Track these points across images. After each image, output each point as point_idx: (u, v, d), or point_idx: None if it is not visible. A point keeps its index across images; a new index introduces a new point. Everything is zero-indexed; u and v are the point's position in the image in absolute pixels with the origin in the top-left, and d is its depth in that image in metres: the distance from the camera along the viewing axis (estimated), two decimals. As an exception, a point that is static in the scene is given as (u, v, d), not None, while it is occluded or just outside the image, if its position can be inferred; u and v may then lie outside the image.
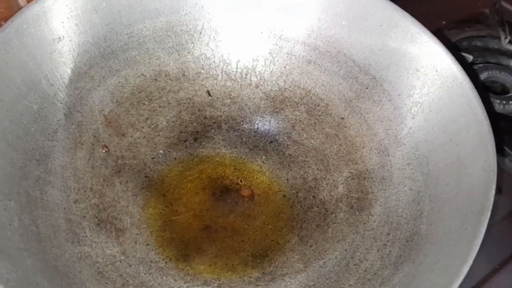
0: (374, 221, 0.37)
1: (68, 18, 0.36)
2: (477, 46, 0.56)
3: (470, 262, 0.28)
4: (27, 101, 0.34)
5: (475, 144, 0.33)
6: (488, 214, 0.29)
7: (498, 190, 0.42)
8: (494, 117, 0.48)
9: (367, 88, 0.40)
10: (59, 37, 0.36)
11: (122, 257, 0.33)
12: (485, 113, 0.34)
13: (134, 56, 0.39)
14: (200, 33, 0.41)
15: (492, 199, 0.30)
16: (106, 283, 0.31)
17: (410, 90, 0.38)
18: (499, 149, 0.42)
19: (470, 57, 0.53)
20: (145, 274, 0.33)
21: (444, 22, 0.57)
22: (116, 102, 0.39)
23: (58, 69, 0.36)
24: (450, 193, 0.34)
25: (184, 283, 0.33)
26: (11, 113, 0.32)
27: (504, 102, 0.50)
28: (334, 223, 0.37)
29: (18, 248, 0.28)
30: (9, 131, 0.32)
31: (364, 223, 0.37)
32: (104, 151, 0.37)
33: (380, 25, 0.38)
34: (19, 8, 0.47)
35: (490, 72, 0.53)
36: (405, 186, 0.37)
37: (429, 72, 0.37)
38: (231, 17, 0.41)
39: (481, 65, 0.53)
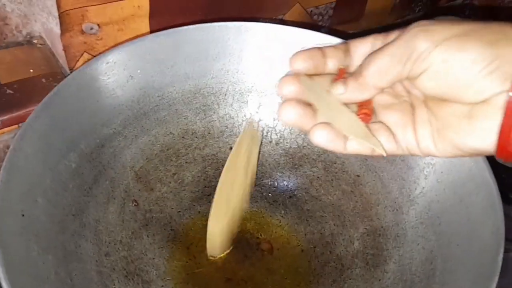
0: (389, 278, 0.38)
1: (106, 84, 0.39)
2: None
3: (479, 325, 0.29)
4: (66, 160, 0.37)
5: (484, 207, 0.35)
6: (497, 278, 0.31)
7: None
8: (500, 168, 0.49)
9: (381, 148, 0.42)
10: (97, 101, 0.39)
11: (148, 309, 0.35)
12: (493, 177, 0.35)
13: (164, 116, 0.43)
14: (225, 95, 0.44)
15: (500, 263, 0.31)
16: (133, 334, 0.33)
17: (423, 152, 0.40)
18: (505, 199, 0.43)
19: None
20: (169, 325, 0.35)
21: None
22: (146, 159, 0.42)
23: (96, 130, 0.39)
24: (462, 254, 0.35)
25: (205, 336, 0.35)
26: (53, 172, 0.36)
27: None
28: (350, 279, 0.39)
29: (55, 301, 0.31)
30: (50, 188, 0.35)
31: (379, 280, 0.38)
32: (133, 205, 0.40)
33: (393, 90, 0.41)
34: (59, 66, 0.51)
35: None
36: (418, 244, 0.38)
37: (440, 136, 0.39)
38: (253, 81, 0.44)
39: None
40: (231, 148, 0.45)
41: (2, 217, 0.30)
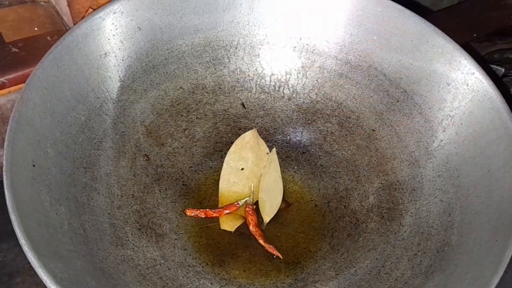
0: (405, 231, 0.37)
1: (114, 35, 0.38)
2: (509, 59, 0.56)
3: (500, 273, 0.28)
4: (75, 113, 0.36)
5: (506, 158, 0.34)
6: (519, 226, 0.30)
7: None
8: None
9: (398, 101, 0.41)
10: (105, 53, 0.38)
11: (162, 261, 0.35)
12: (516, 127, 0.34)
13: (174, 70, 0.42)
14: (236, 48, 0.43)
15: (523, 212, 0.31)
16: (148, 285, 0.33)
17: (441, 104, 0.39)
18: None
19: (501, 70, 0.53)
20: (183, 277, 0.35)
21: (475, 35, 0.58)
22: (156, 113, 0.41)
23: (104, 83, 0.38)
24: (481, 205, 0.34)
25: (220, 287, 0.35)
26: (62, 124, 0.35)
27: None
28: (365, 233, 0.38)
29: (69, 250, 0.30)
30: (60, 140, 0.34)
31: (395, 233, 0.38)
32: (144, 160, 0.39)
33: (411, 40, 0.39)
34: (64, 23, 0.50)
35: (522, 84, 0.53)
36: (435, 197, 0.37)
37: (459, 86, 0.38)
38: (265, 33, 0.43)
39: (513, 77, 0.53)
40: (242, 104, 0.44)
41: (13, 166, 0.29)
